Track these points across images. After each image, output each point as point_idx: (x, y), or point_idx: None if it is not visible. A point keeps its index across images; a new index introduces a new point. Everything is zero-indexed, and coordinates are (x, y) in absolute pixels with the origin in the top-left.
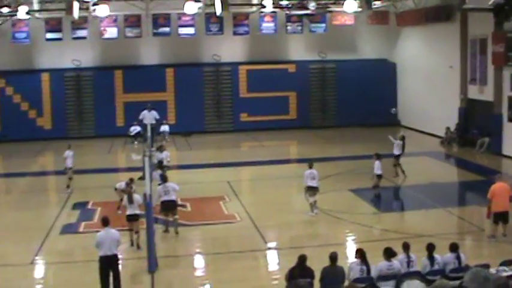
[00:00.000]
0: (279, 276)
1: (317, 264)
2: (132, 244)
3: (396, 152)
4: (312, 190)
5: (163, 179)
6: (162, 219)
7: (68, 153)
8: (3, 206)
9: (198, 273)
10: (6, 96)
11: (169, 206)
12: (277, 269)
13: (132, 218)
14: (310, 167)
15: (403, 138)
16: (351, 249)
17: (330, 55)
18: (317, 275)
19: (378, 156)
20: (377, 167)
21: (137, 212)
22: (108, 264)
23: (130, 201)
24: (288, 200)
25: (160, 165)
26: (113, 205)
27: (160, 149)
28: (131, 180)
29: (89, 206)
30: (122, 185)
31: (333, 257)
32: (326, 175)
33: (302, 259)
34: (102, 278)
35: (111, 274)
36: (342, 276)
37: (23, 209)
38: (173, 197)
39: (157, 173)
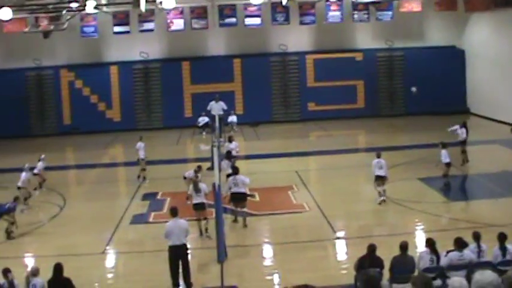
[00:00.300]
0: (348, 265)
1: (386, 253)
2: (201, 234)
3: (461, 138)
4: (380, 179)
5: (234, 170)
6: (231, 209)
7: (140, 144)
8: (75, 197)
9: (267, 263)
10: (76, 90)
11: (238, 198)
12: (346, 258)
13: (199, 207)
14: (378, 157)
15: (465, 124)
16: (420, 238)
17: (397, 43)
18: (386, 265)
19: (444, 145)
20: (444, 155)
21: (204, 200)
22: (177, 254)
23: (197, 190)
24: (356, 189)
25: (228, 155)
26: (182, 195)
27: (230, 139)
28: (199, 167)
29: (158, 197)
30: (190, 173)
31: (403, 246)
32: (395, 164)
33: (371, 248)
34: (172, 267)
35: (180, 264)
36: (412, 266)
37: (94, 199)
38: (242, 189)
39: (225, 162)
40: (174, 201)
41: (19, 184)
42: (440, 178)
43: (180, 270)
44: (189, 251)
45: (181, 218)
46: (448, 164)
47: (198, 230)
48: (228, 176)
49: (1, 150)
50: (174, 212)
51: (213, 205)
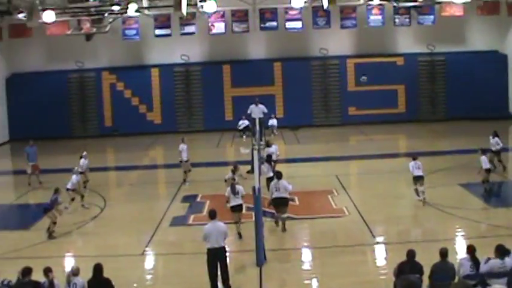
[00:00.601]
0: (387, 271)
1: (426, 259)
2: (240, 236)
3: (493, 148)
4: (419, 179)
5: (278, 175)
6: (271, 212)
7: (182, 146)
8: (115, 198)
9: (305, 267)
10: (117, 92)
11: (279, 203)
12: (385, 264)
13: (237, 209)
14: (414, 159)
15: (496, 134)
16: (460, 245)
17: (438, 47)
18: (426, 271)
19: (483, 151)
20: (484, 161)
21: (241, 202)
22: (216, 256)
23: (234, 192)
24: (396, 194)
25: (269, 159)
26: (221, 198)
27: (267, 143)
28: (235, 167)
29: (198, 199)
30: (230, 175)
31: (443, 253)
32: (435, 169)
33: (411, 254)
34: (210, 270)
35: (219, 266)
36: (452, 273)
37: (134, 201)
38: (283, 195)
39: (266, 166)
40: (214, 203)
41: (68, 186)
42: (480, 184)
43: (219, 273)
44: (227, 254)
45: (220, 221)
46: (488, 170)
47: (236, 233)
48: (269, 179)
49: (43, 151)
50: (212, 215)
51: (252, 208)
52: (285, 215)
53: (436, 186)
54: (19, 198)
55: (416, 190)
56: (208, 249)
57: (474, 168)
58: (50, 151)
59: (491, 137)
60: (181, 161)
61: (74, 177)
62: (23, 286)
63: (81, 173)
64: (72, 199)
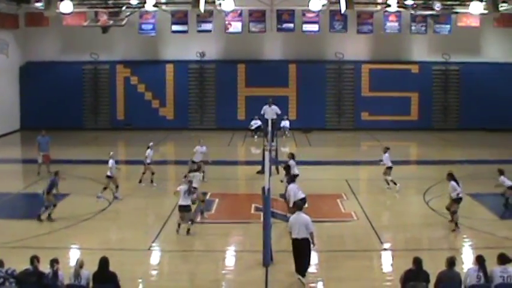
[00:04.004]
0: (393, 277)
1: (432, 268)
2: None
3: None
4: (391, 170)
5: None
6: (280, 213)
7: (198, 148)
8: (124, 192)
9: (311, 269)
10: (131, 86)
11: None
12: (391, 270)
13: (184, 209)
14: (387, 150)
15: (502, 172)
16: (467, 254)
17: (453, 57)
18: (432, 279)
19: (501, 172)
20: (504, 181)
21: (189, 203)
22: (299, 246)
23: (189, 192)
24: (405, 202)
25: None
26: (231, 197)
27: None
28: (198, 167)
29: (207, 197)
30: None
31: (451, 261)
32: (445, 178)
33: (418, 262)
34: (295, 259)
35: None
36: (458, 282)
37: (143, 196)
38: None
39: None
40: (223, 202)
41: (108, 173)
42: (489, 195)
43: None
44: (310, 246)
45: (304, 213)
46: (511, 188)
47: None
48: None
49: (54, 141)
50: (299, 207)
51: (260, 208)
52: None
53: (445, 195)
54: (27, 187)
55: (387, 180)
56: (292, 240)
57: (484, 179)
58: (61, 142)
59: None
60: (192, 161)
61: (110, 162)
62: (27, 276)
63: (148, 164)
64: (105, 188)
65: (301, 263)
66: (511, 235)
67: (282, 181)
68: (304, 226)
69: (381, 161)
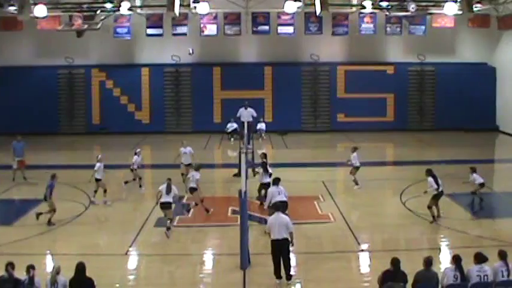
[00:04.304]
0: (371, 278)
1: (410, 268)
2: (167, 229)
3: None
4: (358, 169)
5: (276, 181)
6: (257, 216)
7: (183, 150)
8: (100, 196)
9: (290, 271)
10: (106, 90)
11: (281, 206)
12: (369, 271)
13: (165, 206)
14: (355, 150)
15: (474, 170)
16: (444, 254)
17: (429, 58)
18: (409, 279)
19: (474, 170)
20: (476, 178)
21: (171, 200)
22: (278, 247)
23: (168, 190)
24: (382, 202)
25: (265, 165)
26: (207, 200)
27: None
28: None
29: (184, 201)
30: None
31: (428, 261)
32: (421, 178)
33: (395, 262)
34: (274, 259)
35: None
36: (435, 282)
37: (119, 200)
38: (285, 199)
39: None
40: (200, 205)
41: (98, 176)
42: (466, 195)
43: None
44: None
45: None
46: (482, 184)
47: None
48: (263, 185)
49: (30, 147)
50: (277, 207)
51: (237, 211)
52: None
53: (421, 196)
54: (2, 193)
55: (355, 180)
56: (272, 241)
57: (459, 179)
58: (36, 147)
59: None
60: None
61: (97, 165)
62: (2, 283)
63: (133, 170)
64: (95, 191)
65: (280, 266)
66: (487, 234)
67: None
68: (285, 226)
69: (349, 161)
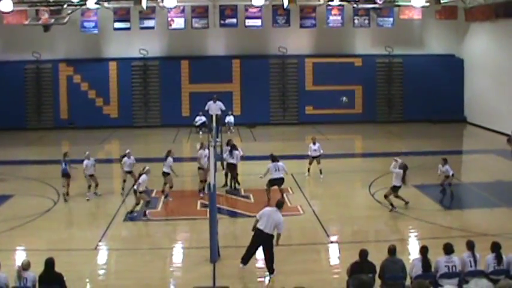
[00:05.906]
0: (340, 270)
1: (379, 259)
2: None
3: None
4: (315, 159)
5: (274, 158)
6: (226, 209)
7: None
8: (70, 192)
9: (259, 264)
10: (74, 84)
11: (279, 183)
12: (339, 262)
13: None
14: (314, 143)
15: (405, 168)
16: (413, 245)
17: (396, 50)
18: (378, 270)
19: (446, 161)
20: (447, 170)
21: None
22: (260, 238)
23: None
24: (351, 194)
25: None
26: (177, 194)
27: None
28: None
29: (153, 195)
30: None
31: (391, 250)
32: (390, 170)
33: (364, 254)
34: (250, 246)
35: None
36: (401, 270)
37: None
38: (282, 175)
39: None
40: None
41: (90, 172)
42: (435, 186)
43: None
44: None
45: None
46: (451, 176)
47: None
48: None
49: None
50: (279, 205)
51: (206, 205)
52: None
53: (390, 187)
54: None
55: (320, 170)
56: (257, 228)
57: (428, 170)
58: (4, 142)
59: (440, 166)
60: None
61: (85, 162)
62: None
63: (128, 172)
64: (89, 187)
65: (252, 255)
66: (456, 225)
67: (261, 177)
68: (275, 224)
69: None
